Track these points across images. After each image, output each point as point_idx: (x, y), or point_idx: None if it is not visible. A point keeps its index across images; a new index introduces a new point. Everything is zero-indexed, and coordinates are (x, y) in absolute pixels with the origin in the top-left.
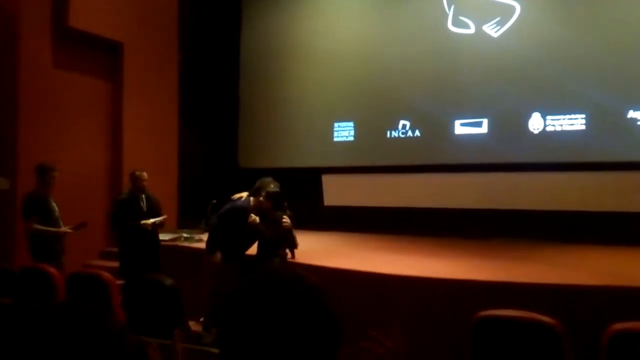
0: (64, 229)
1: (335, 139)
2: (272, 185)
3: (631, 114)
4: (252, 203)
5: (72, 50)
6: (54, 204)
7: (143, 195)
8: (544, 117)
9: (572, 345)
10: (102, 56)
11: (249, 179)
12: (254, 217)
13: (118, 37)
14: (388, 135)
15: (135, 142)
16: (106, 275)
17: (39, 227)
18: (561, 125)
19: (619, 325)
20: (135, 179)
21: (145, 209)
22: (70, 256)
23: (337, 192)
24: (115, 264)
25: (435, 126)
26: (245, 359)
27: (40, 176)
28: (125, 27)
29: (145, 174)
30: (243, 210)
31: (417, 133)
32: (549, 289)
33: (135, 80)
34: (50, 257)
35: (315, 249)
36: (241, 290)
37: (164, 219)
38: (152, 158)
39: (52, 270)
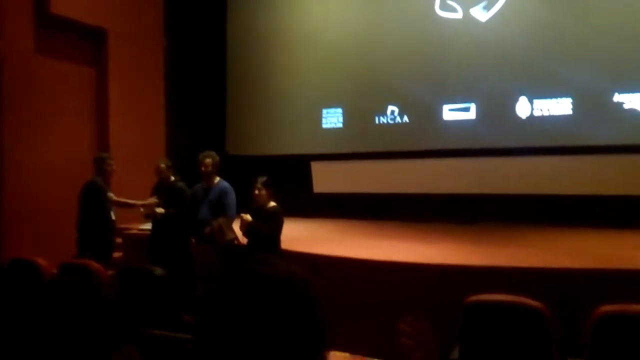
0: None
1: (324, 126)
2: (201, 158)
3: (617, 97)
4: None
5: (55, 37)
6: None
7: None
8: (531, 101)
9: (559, 328)
10: (86, 43)
11: (237, 165)
12: (246, 217)
13: (102, 23)
14: (377, 121)
15: (122, 130)
16: (96, 265)
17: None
18: (548, 109)
19: (605, 308)
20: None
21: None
22: (58, 247)
23: (326, 178)
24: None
25: (424, 111)
26: (221, 353)
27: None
28: (110, 13)
29: (161, 164)
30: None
31: (406, 119)
32: (537, 272)
33: (120, 67)
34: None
35: (304, 236)
36: (225, 282)
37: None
38: (139, 145)
39: (42, 262)
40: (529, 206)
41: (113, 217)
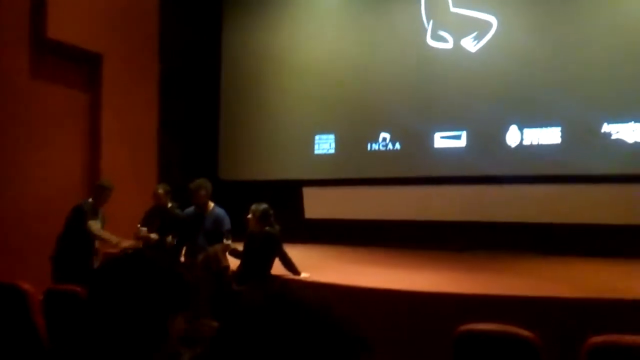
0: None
1: (316, 152)
2: (194, 187)
3: (606, 127)
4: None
5: (50, 61)
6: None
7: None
8: (521, 130)
9: (551, 358)
10: (80, 67)
11: (229, 190)
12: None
13: (97, 48)
14: (369, 147)
15: (114, 154)
16: (82, 291)
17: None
18: (538, 138)
19: (597, 338)
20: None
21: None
22: (44, 271)
23: (318, 204)
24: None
25: (415, 139)
26: None
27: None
28: (105, 38)
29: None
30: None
31: (397, 146)
32: (528, 301)
33: (114, 91)
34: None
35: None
36: (247, 316)
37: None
38: (131, 170)
39: (27, 287)
40: (519, 234)
41: (96, 244)
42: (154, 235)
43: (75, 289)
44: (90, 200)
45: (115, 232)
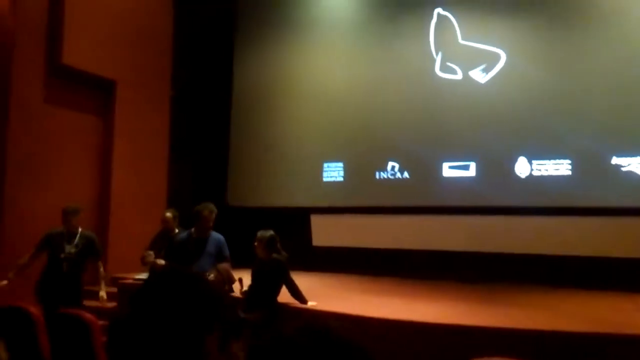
0: None
1: (325, 179)
2: (206, 212)
3: (615, 160)
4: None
5: (64, 86)
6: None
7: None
8: (530, 161)
9: None
10: (94, 93)
11: (238, 217)
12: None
13: (111, 74)
14: (377, 176)
15: (125, 179)
16: (88, 316)
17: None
18: (547, 170)
19: None
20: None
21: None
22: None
23: (326, 232)
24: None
25: (424, 168)
26: None
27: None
28: (118, 65)
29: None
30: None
31: (406, 175)
32: (539, 335)
33: (126, 117)
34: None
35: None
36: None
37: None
38: (141, 195)
39: (32, 309)
40: (529, 266)
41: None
42: (160, 261)
43: (79, 312)
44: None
45: (123, 256)
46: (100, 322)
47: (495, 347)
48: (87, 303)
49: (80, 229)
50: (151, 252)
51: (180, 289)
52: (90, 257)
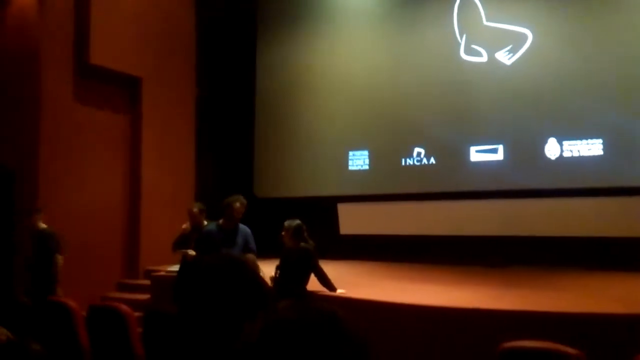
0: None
1: (350, 168)
2: (237, 204)
3: None
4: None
5: (92, 85)
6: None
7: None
8: (560, 142)
9: None
10: (121, 91)
11: (265, 208)
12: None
13: (137, 72)
14: (403, 163)
15: (154, 175)
16: (124, 308)
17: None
18: (578, 150)
19: None
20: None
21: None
22: (87, 288)
23: (353, 220)
24: (133, 296)
25: (451, 153)
26: None
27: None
28: (144, 62)
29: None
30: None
31: (432, 160)
32: (572, 317)
33: (153, 113)
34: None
35: (332, 279)
36: (274, 325)
37: None
38: (170, 190)
39: (71, 303)
40: (560, 249)
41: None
42: (191, 252)
43: (116, 305)
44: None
45: (155, 250)
46: (136, 314)
47: (526, 331)
48: (122, 296)
49: (41, 227)
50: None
51: (224, 274)
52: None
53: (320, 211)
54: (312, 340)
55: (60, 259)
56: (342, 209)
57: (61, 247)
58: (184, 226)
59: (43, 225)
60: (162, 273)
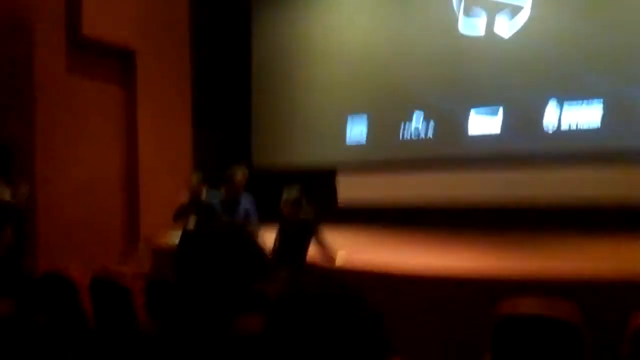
0: None
1: (348, 137)
2: (239, 174)
3: None
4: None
5: (85, 57)
6: None
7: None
8: (559, 109)
9: (594, 340)
10: (115, 63)
11: (264, 178)
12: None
13: (131, 44)
14: (401, 132)
15: (150, 146)
16: (127, 278)
17: None
18: (577, 117)
19: None
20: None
21: None
22: (90, 259)
23: (351, 190)
24: (133, 266)
25: (449, 122)
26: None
27: None
28: (138, 34)
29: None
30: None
31: (431, 130)
32: (569, 281)
33: (148, 85)
34: None
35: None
36: (291, 298)
37: None
38: (168, 161)
39: (73, 274)
40: (560, 217)
41: None
42: (192, 222)
43: (117, 276)
44: None
45: (155, 221)
46: (138, 284)
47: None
48: (124, 266)
49: None
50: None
51: (224, 242)
52: None
53: (319, 181)
54: (333, 316)
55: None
56: (341, 179)
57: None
58: (183, 197)
59: None
60: (163, 243)
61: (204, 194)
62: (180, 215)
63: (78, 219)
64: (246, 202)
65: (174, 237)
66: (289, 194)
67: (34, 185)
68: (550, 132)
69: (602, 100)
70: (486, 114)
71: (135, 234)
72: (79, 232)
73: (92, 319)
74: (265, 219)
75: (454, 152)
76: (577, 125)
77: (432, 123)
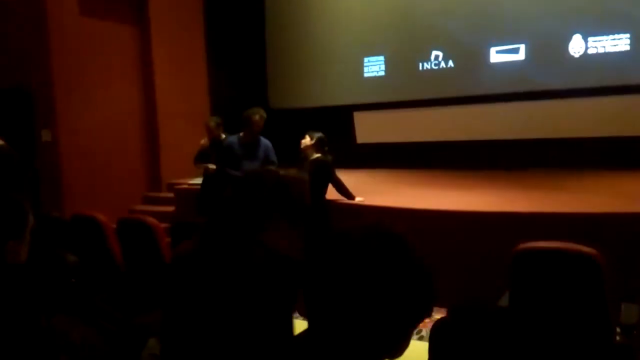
0: None
1: (366, 75)
2: (257, 116)
3: None
4: None
5: None
6: None
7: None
8: (585, 39)
9: (613, 273)
10: (127, 2)
11: (281, 119)
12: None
13: None
14: (420, 67)
15: (167, 88)
16: (152, 220)
17: None
18: (604, 46)
19: None
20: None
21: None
22: (114, 202)
23: (369, 128)
24: (158, 208)
25: (470, 55)
26: (333, 315)
27: None
28: None
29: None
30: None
31: (451, 63)
32: (589, 217)
33: (162, 24)
34: None
35: (350, 187)
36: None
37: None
38: (185, 103)
39: (101, 217)
40: (583, 150)
41: None
42: (211, 166)
43: (143, 218)
44: None
45: (176, 163)
46: (162, 225)
47: (542, 232)
48: (148, 208)
49: None
50: (210, 165)
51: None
52: None
53: (336, 120)
54: (378, 261)
55: None
56: (358, 117)
57: None
58: (202, 141)
59: None
60: (185, 186)
61: (222, 137)
62: (200, 158)
63: (100, 164)
64: (265, 145)
65: (196, 180)
66: (313, 134)
67: (55, 131)
68: (577, 57)
69: (629, 35)
70: (507, 52)
71: (157, 175)
72: (104, 173)
73: (120, 258)
74: (283, 160)
75: (476, 80)
76: (604, 49)
77: (450, 63)
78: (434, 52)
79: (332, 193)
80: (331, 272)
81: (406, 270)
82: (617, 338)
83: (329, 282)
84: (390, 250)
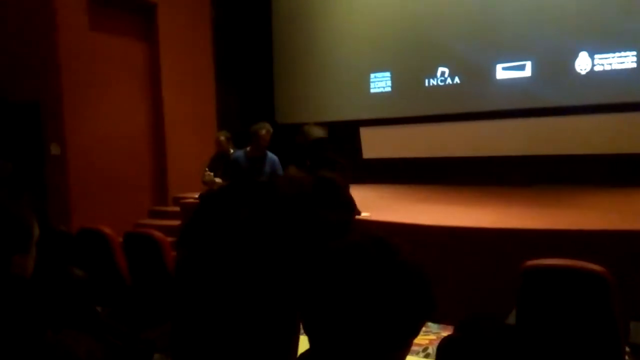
0: None
1: (372, 90)
2: (263, 131)
3: None
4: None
5: (107, 12)
6: None
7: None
8: (591, 56)
9: (621, 291)
10: (136, 17)
11: (287, 134)
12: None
13: None
14: (426, 83)
15: (175, 102)
16: (158, 234)
17: None
18: (610, 64)
19: None
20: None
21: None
22: (120, 216)
23: (375, 144)
24: (164, 222)
25: (476, 72)
26: (331, 328)
27: None
28: None
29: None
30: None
31: (457, 80)
32: (596, 235)
33: (170, 39)
34: None
35: (356, 202)
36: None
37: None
38: (193, 118)
39: (108, 231)
40: (589, 167)
41: None
42: (218, 180)
43: (149, 232)
44: None
45: (182, 177)
46: (169, 239)
47: (550, 249)
48: (154, 222)
49: None
50: (210, 173)
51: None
52: None
53: (343, 135)
54: (372, 270)
55: None
56: (365, 132)
57: None
58: (210, 154)
59: None
60: (191, 200)
61: (230, 152)
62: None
63: (107, 178)
64: (272, 159)
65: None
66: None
67: (64, 144)
68: (583, 74)
69: (635, 52)
70: (514, 69)
71: (164, 190)
72: (111, 187)
73: (127, 271)
74: None
75: (482, 97)
76: (610, 67)
77: (457, 79)
78: (440, 69)
79: None
80: (326, 286)
81: (401, 278)
82: (627, 358)
83: (325, 297)
84: (385, 259)
